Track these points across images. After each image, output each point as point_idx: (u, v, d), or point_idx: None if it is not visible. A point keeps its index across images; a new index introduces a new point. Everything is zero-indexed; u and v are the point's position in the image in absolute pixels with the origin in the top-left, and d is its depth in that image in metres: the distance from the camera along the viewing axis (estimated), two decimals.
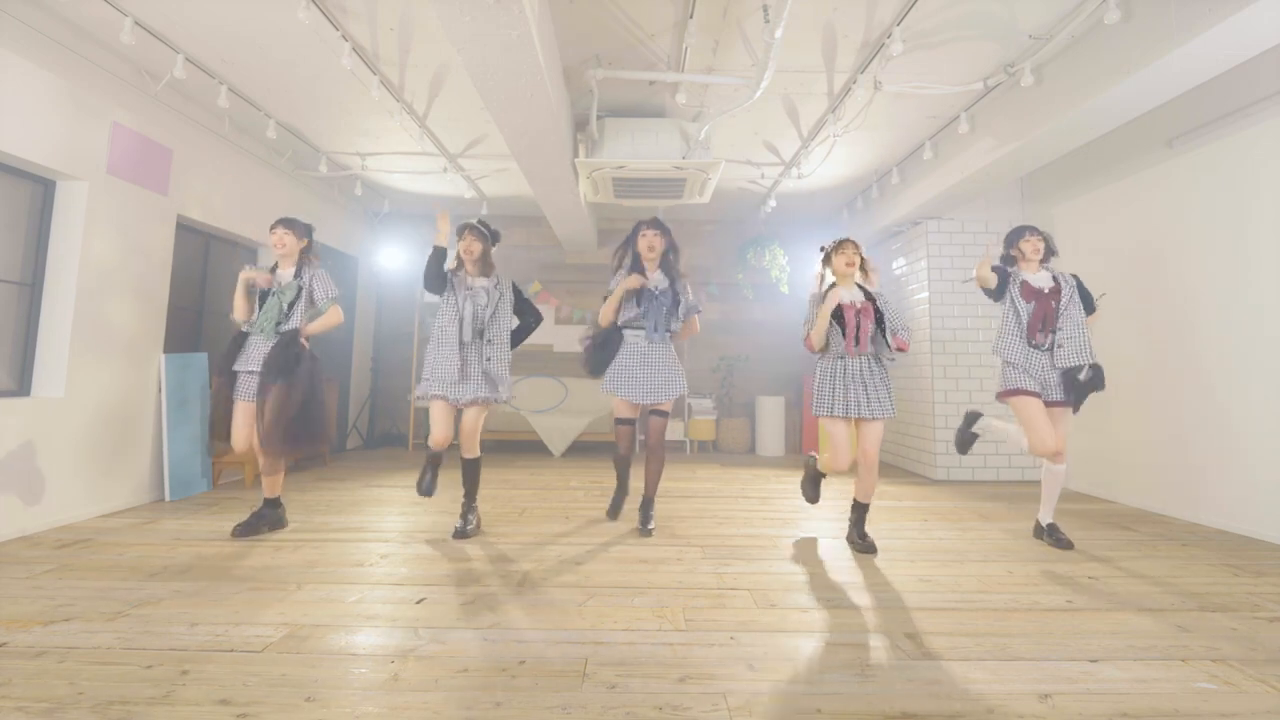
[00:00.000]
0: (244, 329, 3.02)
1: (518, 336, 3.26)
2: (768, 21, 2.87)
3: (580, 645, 1.86)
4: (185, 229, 4.10)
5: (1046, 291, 3.03)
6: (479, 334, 3.06)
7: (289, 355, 2.90)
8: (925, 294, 5.28)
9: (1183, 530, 3.40)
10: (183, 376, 3.89)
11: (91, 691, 1.55)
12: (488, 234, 3.17)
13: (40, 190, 3.21)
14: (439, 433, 3.02)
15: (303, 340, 2.99)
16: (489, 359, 3.06)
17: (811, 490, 3.25)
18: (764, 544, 3.01)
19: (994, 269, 3.11)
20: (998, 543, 3.09)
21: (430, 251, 3.03)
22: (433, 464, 3.05)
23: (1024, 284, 3.07)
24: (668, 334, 3.20)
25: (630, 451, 3.34)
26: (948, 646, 1.89)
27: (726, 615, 2.11)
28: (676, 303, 3.20)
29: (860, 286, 3.03)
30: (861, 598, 2.30)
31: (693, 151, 4.10)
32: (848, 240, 3.04)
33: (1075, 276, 3.12)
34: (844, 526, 3.23)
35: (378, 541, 2.95)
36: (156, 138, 3.71)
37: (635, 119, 4.13)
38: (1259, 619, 2.13)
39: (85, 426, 3.28)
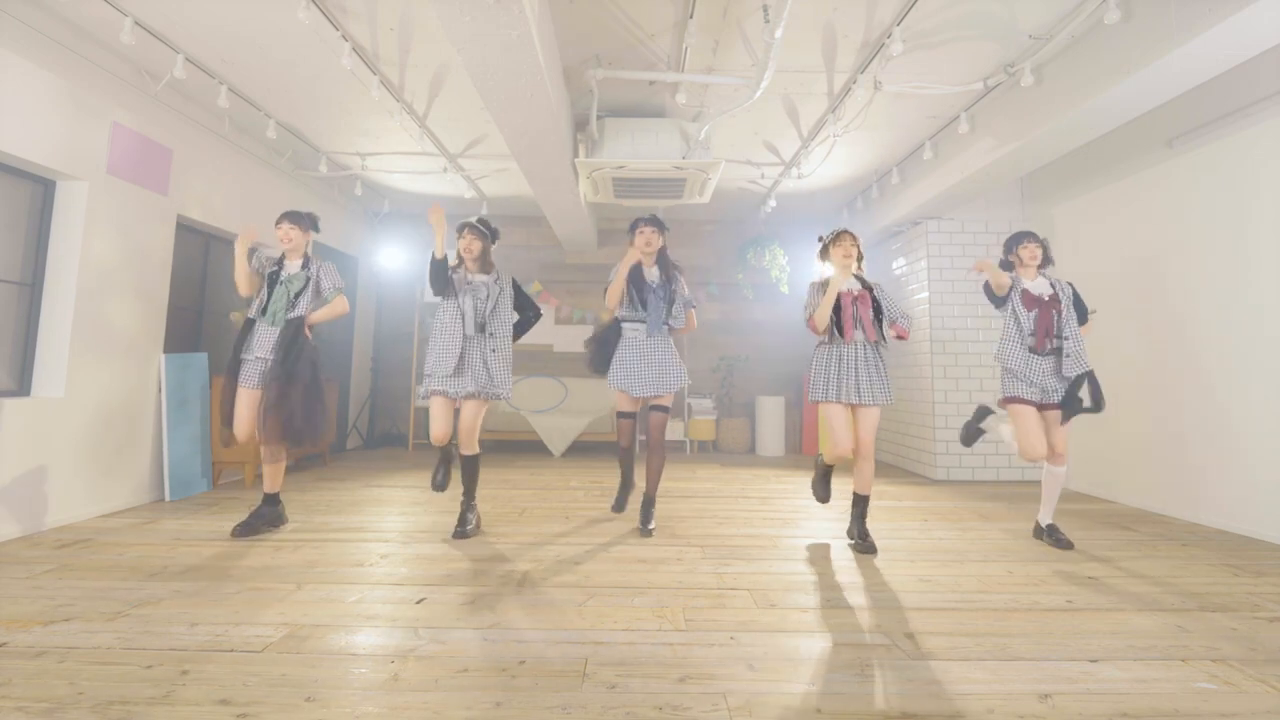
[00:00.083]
0: (250, 315, 3.05)
1: (518, 330, 3.28)
2: (768, 21, 2.87)
3: (580, 645, 1.86)
4: (185, 229, 4.10)
5: (1046, 299, 3.05)
6: (480, 328, 3.07)
7: (294, 343, 2.95)
8: (925, 294, 5.28)
9: (1183, 530, 3.40)
10: (183, 376, 3.90)
11: (91, 691, 1.55)
12: (487, 232, 3.18)
13: (40, 190, 3.21)
14: (437, 428, 3.03)
15: (307, 330, 3.04)
16: (492, 350, 3.07)
17: (822, 489, 3.20)
18: (764, 544, 3.01)
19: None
20: (998, 543, 3.09)
21: (431, 257, 3.05)
22: (444, 460, 3.10)
23: (1024, 292, 3.08)
24: (666, 328, 3.22)
25: (632, 444, 3.36)
26: (948, 646, 1.89)
27: (726, 615, 2.11)
28: (674, 298, 3.22)
29: (857, 276, 3.06)
30: (861, 598, 2.30)
31: (693, 151, 4.10)
32: (845, 232, 3.05)
33: (1070, 284, 3.14)
34: (845, 527, 3.22)
35: (378, 541, 2.95)
36: (156, 138, 3.71)
37: (635, 119, 4.13)
38: (1259, 619, 2.13)
39: (85, 426, 3.28)
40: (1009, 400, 3.06)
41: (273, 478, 3.07)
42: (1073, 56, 3.20)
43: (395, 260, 6.49)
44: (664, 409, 3.19)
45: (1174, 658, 1.83)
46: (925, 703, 1.56)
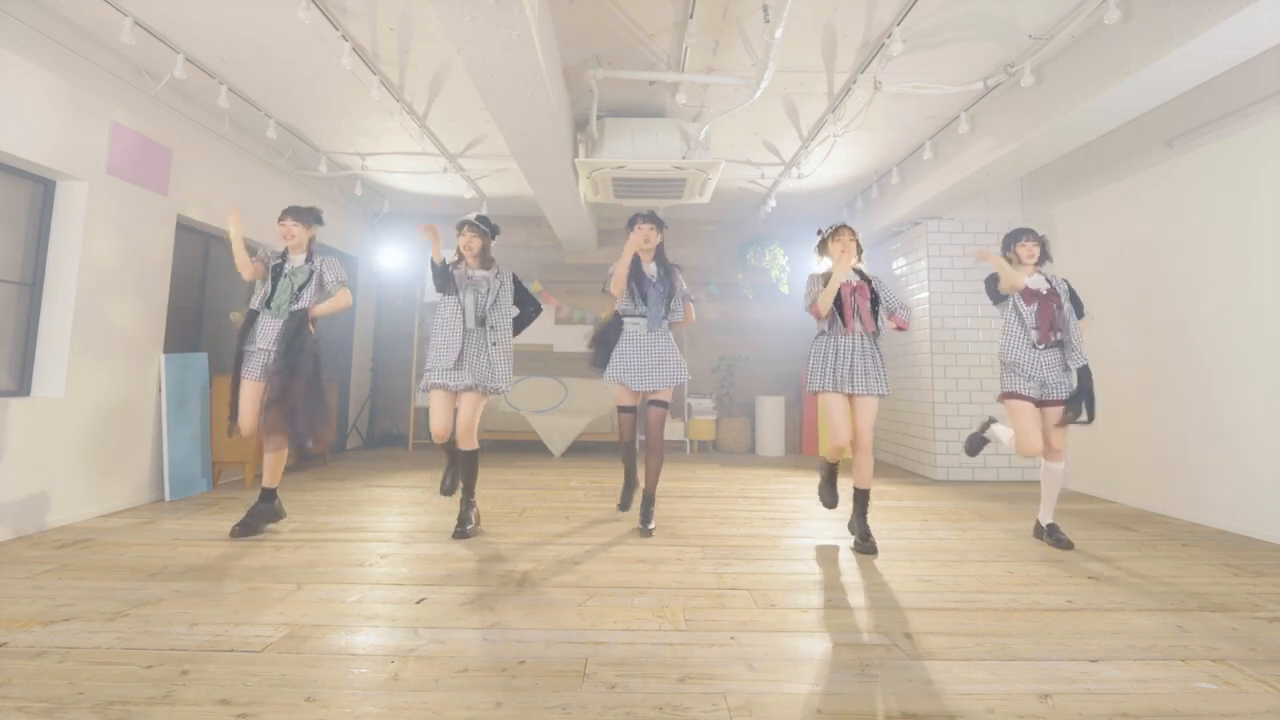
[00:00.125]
0: (253, 307, 3.07)
1: (518, 325, 3.29)
2: (768, 21, 2.87)
3: (580, 645, 1.86)
4: (185, 229, 4.10)
5: (1045, 293, 3.06)
6: (480, 322, 3.08)
7: (297, 336, 2.98)
8: (925, 294, 5.28)
9: (1183, 530, 3.40)
10: (183, 376, 3.89)
11: (91, 691, 1.55)
12: (486, 229, 3.19)
13: (40, 190, 3.21)
14: (437, 424, 3.04)
15: (310, 323, 3.06)
16: (493, 343, 3.08)
17: (829, 493, 3.18)
18: (764, 544, 3.01)
19: (994, 273, 3.16)
20: (998, 543, 3.09)
21: (430, 262, 3.07)
22: (453, 462, 3.14)
23: (1024, 288, 3.09)
24: (666, 323, 3.23)
25: (633, 438, 3.37)
26: (947, 646, 1.89)
27: (726, 615, 2.11)
28: (673, 292, 3.24)
29: (856, 270, 3.07)
30: (861, 598, 2.30)
31: (693, 151, 4.10)
32: (844, 227, 3.06)
33: (1066, 280, 3.16)
34: (845, 527, 3.22)
35: (378, 541, 2.95)
36: (156, 138, 3.71)
37: (635, 119, 4.13)
38: (1259, 619, 2.13)
39: (85, 426, 3.28)
40: (1007, 395, 3.07)
41: (273, 469, 3.06)
42: (1073, 56, 3.20)
43: (395, 260, 6.49)
44: (663, 404, 3.20)
45: (1174, 658, 1.83)
46: (925, 703, 1.56)
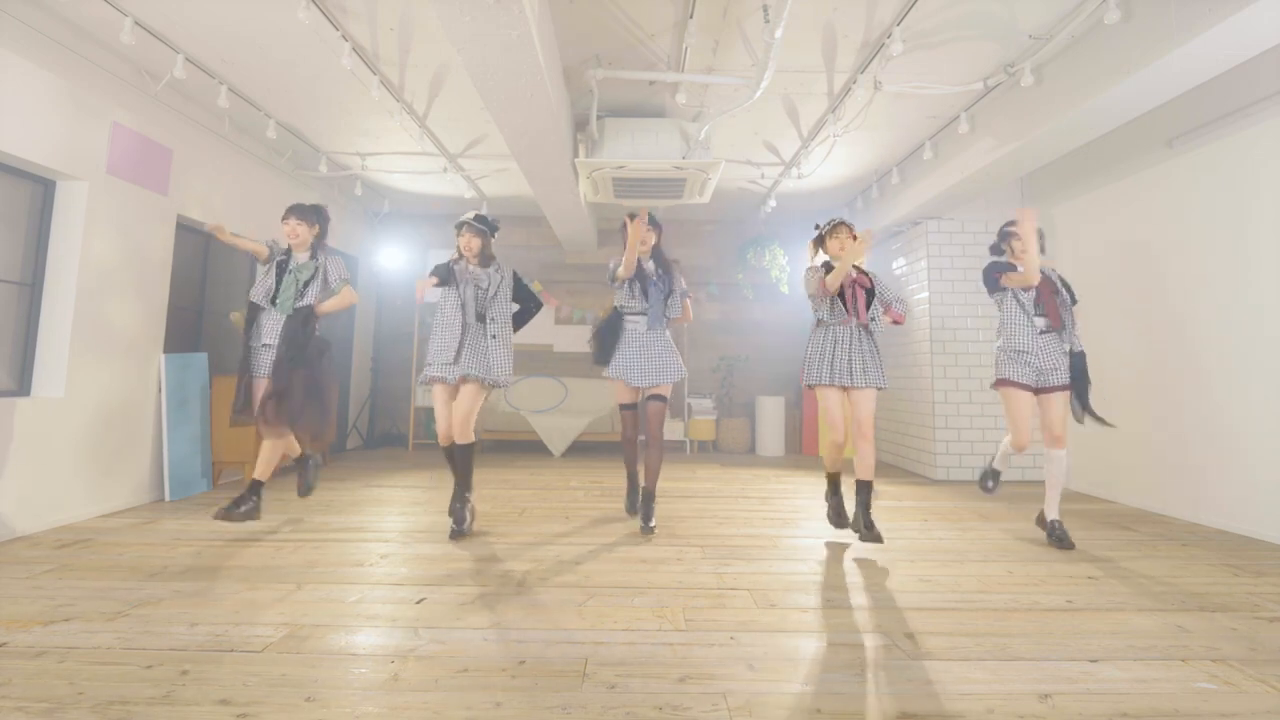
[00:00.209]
0: (257, 301, 3.11)
1: (518, 321, 3.30)
2: (768, 21, 2.87)
3: (580, 645, 1.86)
4: (185, 229, 4.10)
5: (1040, 282, 3.10)
6: (480, 317, 3.09)
7: (303, 331, 3.02)
8: (925, 294, 5.28)
9: (1183, 530, 3.40)
10: (183, 376, 3.89)
11: (91, 691, 1.55)
12: (485, 228, 3.19)
13: (40, 190, 3.21)
14: (443, 425, 3.06)
15: (315, 320, 3.10)
16: (493, 336, 3.09)
17: (836, 516, 3.14)
18: (764, 544, 3.01)
19: (993, 262, 3.22)
20: (998, 543, 3.09)
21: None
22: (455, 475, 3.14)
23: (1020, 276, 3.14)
24: (665, 320, 3.27)
25: (635, 433, 3.39)
26: (947, 646, 1.89)
27: (726, 615, 2.11)
28: (671, 291, 3.28)
29: (854, 265, 3.09)
30: (861, 598, 2.30)
31: (693, 151, 4.10)
32: (842, 223, 3.07)
33: (1054, 269, 3.21)
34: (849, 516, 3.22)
35: (378, 541, 2.95)
36: (156, 138, 3.71)
37: (635, 119, 4.13)
38: (1259, 619, 2.13)
39: (85, 426, 3.28)
40: (1003, 383, 3.10)
41: (265, 464, 3.04)
42: (1073, 56, 3.20)
43: (395, 260, 6.49)
44: (662, 399, 3.23)
45: (1174, 658, 1.83)
46: (925, 703, 1.56)
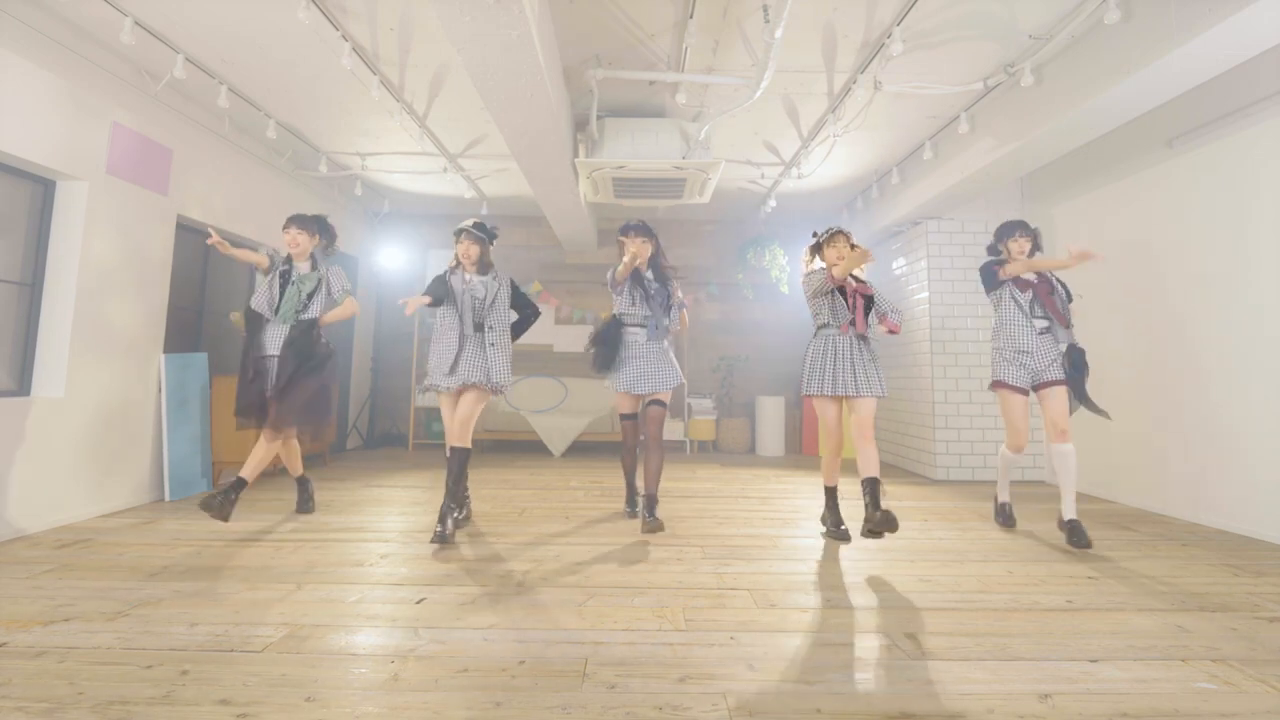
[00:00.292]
0: (255, 308, 3.15)
1: (517, 329, 3.32)
2: (768, 21, 2.87)
3: (580, 645, 1.86)
4: (185, 229, 4.10)
5: (1037, 282, 3.15)
6: (478, 327, 3.10)
7: (307, 340, 3.07)
8: (925, 294, 5.28)
9: (1183, 530, 3.40)
10: (183, 376, 3.89)
11: (91, 691, 1.55)
12: (484, 235, 3.20)
13: (40, 190, 3.21)
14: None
15: (319, 329, 3.15)
16: (491, 344, 3.10)
17: (836, 529, 3.12)
18: (764, 544, 3.01)
19: (990, 260, 3.25)
20: (998, 543, 3.09)
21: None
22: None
23: (1017, 277, 3.17)
24: (665, 331, 3.30)
25: (635, 443, 3.42)
26: (948, 646, 1.88)
27: (726, 615, 2.11)
28: (670, 304, 3.31)
29: (852, 275, 3.09)
30: (861, 598, 2.30)
31: (693, 151, 4.10)
32: (840, 232, 3.07)
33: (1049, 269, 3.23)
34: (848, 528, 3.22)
35: (378, 541, 2.95)
36: (156, 138, 3.71)
37: (635, 119, 4.13)
38: (1259, 619, 2.13)
39: (85, 426, 3.28)
40: (999, 385, 3.14)
41: (255, 466, 3.01)
42: (1073, 56, 3.20)
43: (395, 260, 6.49)
44: (662, 404, 3.25)
45: (1174, 658, 1.83)
46: (925, 703, 1.56)
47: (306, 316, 3.16)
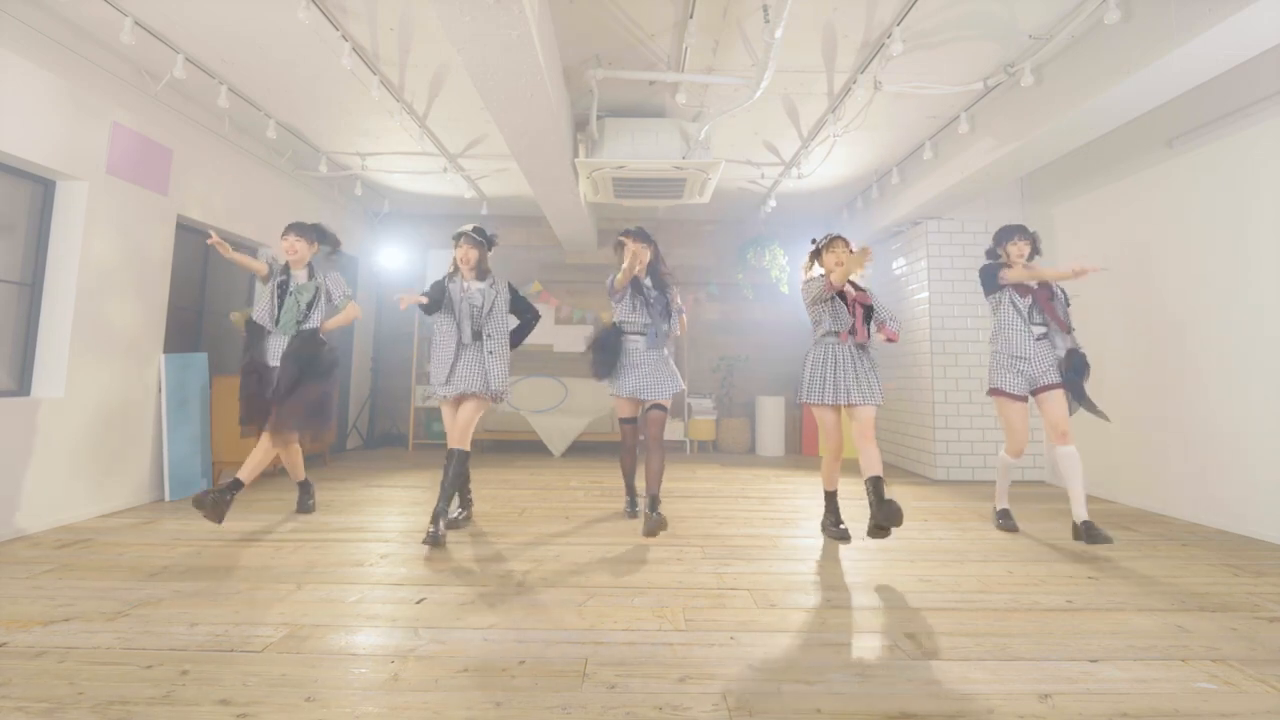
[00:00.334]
0: (258, 321, 3.16)
1: (519, 335, 3.32)
2: (768, 21, 2.87)
3: (580, 645, 1.86)
4: (185, 229, 4.10)
5: (1036, 286, 3.15)
6: (476, 336, 3.11)
7: (309, 348, 3.09)
8: (925, 294, 5.28)
9: (1183, 530, 3.40)
10: (183, 376, 3.89)
11: (91, 691, 1.55)
12: (483, 240, 3.21)
13: (40, 190, 3.21)
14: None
15: (321, 336, 3.16)
16: (490, 352, 3.11)
17: (835, 528, 3.12)
18: (764, 544, 3.01)
19: (990, 263, 3.25)
20: (998, 543, 3.09)
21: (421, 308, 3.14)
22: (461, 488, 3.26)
23: (1016, 283, 3.16)
24: (665, 338, 3.32)
25: (635, 444, 3.44)
26: (948, 646, 1.89)
27: (726, 615, 2.11)
28: (669, 312, 3.34)
29: (851, 281, 3.10)
30: (861, 598, 2.30)
31: (693, 151, 4.10)
32: (838, 238, 3.09)
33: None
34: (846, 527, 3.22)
35: (378, 541, 2.95)
36: (156, 138, 3.71)
37: (635, 119, 4.13)
38: (1259, 619, 2.13)
39: (85, 426, 3.28)
40: (996, 393, 3.16)
41: (253, 469, 3.00)
42: (1073, 56, 3.20)
43: (395, 260, 6.49)
44: (662, 408, 3.27)
45: (1174, 658, 1.83)
46: (925, 703, 1.56)
47: (307, 326, 3.18)
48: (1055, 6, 2.96)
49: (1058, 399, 3.04)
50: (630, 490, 3.56)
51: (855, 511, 3.58)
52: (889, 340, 3.04)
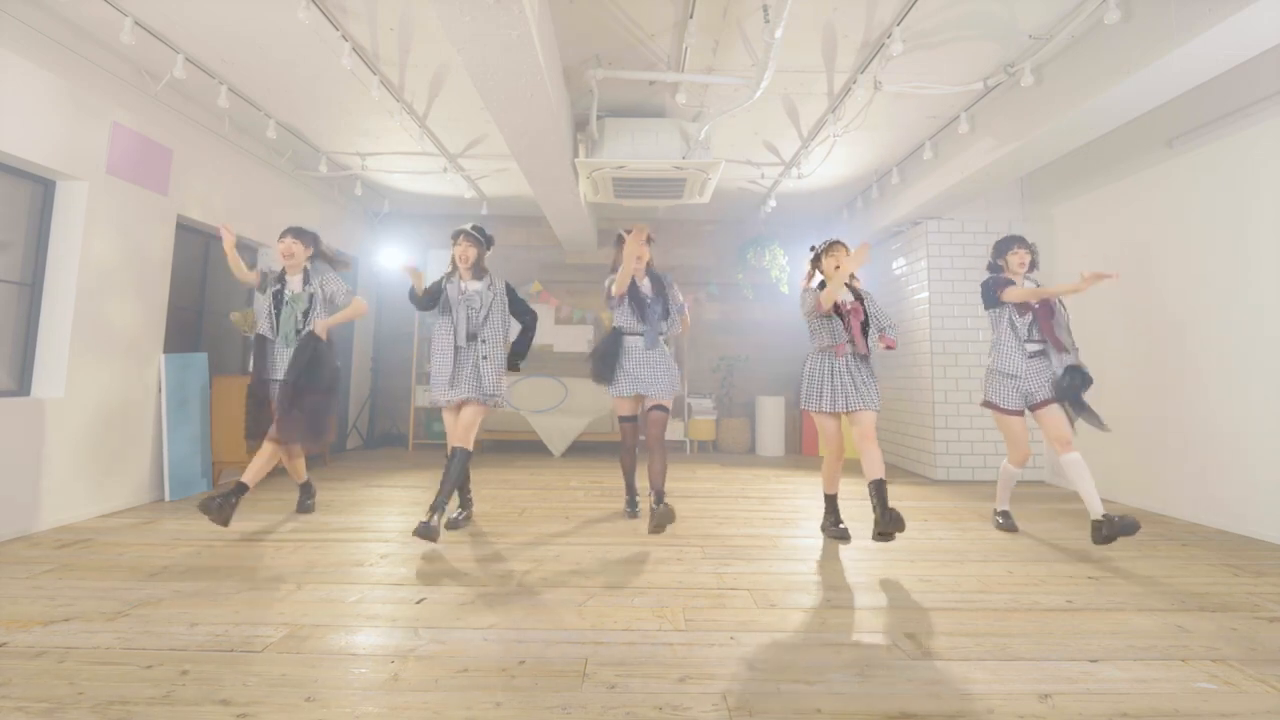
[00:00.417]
0: (261, 333, 3.16)
1: (523, 342, 3.30)
2: (768, 21, 2.87)
3: (580, 645, 1.86)
4: (185, 229, 4.10)
5: (1038, 304, 3.14)
6: (471, 338, 3.13)
7: (311, 353, 3.08)
8: (925, 294, 5.28)
9: (1183, 530, 3.40)
10: (183, 376, 3.89)
11: (91, 691, 1.55)
12: (482, 239, 3.21)
13: (40, 190, 3.21)
14: (451, 435, 3.14)
15: (322, 335, 3.15)
16: (484, 357, 3.12)
17: (836, 527, 3.14)
18: (764, 544, 3.01)
19: (992, 277, 3.25)
20: (998, 543, 3.09)
21: (410, 291, 3.13)
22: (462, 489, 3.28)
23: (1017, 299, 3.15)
24: (662, 339, 3.32)
25: (635, 443, 3.44)
26: (948, 646, 1.89)
27: (726, 615, 2.11)
28: (667, 311, 3.33)
29: (850, 287, 3.11)
30: (861, 598, 2.30)
31: (693, 151, 4.10)
32: (838, 243, 3.10)
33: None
34: (847, 527, 3.22)
35: (378, 541, 2.95)
36: (156, 138, 3.71)
37: (635, 119, 4.13)
38: (1259, 619, 2.13)
39: (85, 426, 3.28)
40: (991, 406, 3.20)
41: (257, 471, 3.02)
42: (1073, 56, 3.20)
43: (395, 260, 6.48)
44: (663, 408, 3.27)
45: (1174, 658, 1.83)
46: (925, 703, 1.56)
47: (306, 333, 3.16)
48: (1055, 6, 2.96)
49: (1054, 413, 3.05)
50: (630, 489, 3.56)
51: (856, 511, 3.58)
52: (888, 348, 3.06)
